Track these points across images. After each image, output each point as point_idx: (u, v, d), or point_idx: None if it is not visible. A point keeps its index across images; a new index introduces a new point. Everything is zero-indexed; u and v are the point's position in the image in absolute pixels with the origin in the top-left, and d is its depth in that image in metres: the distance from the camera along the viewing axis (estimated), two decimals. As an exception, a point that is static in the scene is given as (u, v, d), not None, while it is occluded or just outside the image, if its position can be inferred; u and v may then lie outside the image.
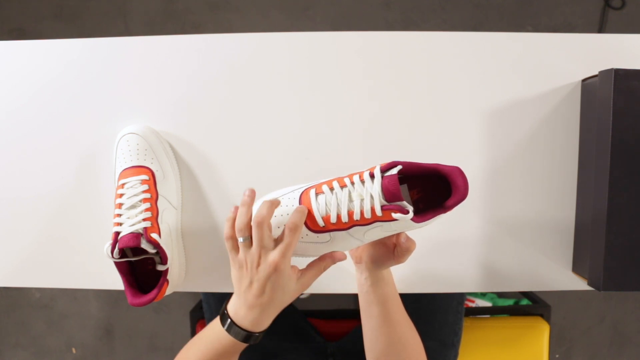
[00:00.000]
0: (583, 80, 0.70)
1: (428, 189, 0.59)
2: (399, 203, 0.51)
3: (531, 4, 1.63)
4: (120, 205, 0.64)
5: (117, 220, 0.63)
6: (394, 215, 0.51)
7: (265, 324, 0.57)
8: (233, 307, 0.57)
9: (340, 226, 0.54)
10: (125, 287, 0.66)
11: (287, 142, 0.72)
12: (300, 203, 0.56)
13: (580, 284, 0.73)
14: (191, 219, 0.74)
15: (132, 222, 0.63)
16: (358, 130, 0.72)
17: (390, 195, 0.51)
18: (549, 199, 0.72)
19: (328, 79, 0.71)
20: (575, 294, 1.67)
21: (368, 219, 0.52)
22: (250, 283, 0.55)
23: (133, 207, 0.64)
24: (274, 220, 0.56)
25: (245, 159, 0.73)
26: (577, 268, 0.71)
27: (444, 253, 0.73)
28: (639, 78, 0.61)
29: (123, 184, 0.66)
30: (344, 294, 0.74)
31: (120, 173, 0.67)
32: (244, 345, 0.58)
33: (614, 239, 0.63)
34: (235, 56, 0.71)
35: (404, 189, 0.59)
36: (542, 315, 1.09)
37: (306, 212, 0.54)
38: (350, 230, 0.54)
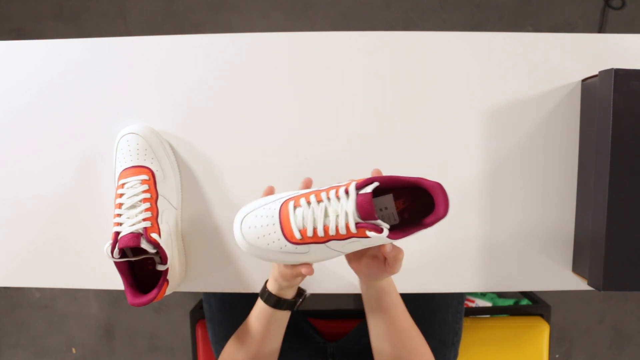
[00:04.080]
0: (583, 80, 0.70)
1: (415, 198, 0.58)
2: (373, 222, 0.50)
3: (531, 3, 1.63)
4: (120, 205, 0.64)
5: (117, 220, 0.63)
6: (368, 233, 0.50)
7: (285, 291, 0.66)
8: (268, 283, 0.69)
9: (318, 239, 0.54)
10: (125, 287, 0.65)
11: (286, 142, 0.72)
12: (280, 214, 0.55)
13: (580, 284, 0.73)
14: (191, 219, 0.74)
15: (132, 222, 0.63)
16: (358, 130, 0.72)
17: (364, 213, 0.50)
18: (549, 199, 0.72)
19: (328, 79, 0.71)
20: (575, 294, 1.67)
21: (343, 234, 0.52)
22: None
23: (133, 207, 0.64)
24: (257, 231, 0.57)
25: (245, 159, 0.73)
26: (577, 268, 0.71)
27: (444, 253, 0.73)
28: (639, 78, 0.61)
29: (123, 184, 0.66)
30: (344, 294, 0.74)
31: (120, 173, 0.67)
32: (281, 313, 0.67)
33: (614, 239, 0.63)
34: (235, 56, 0.71)
35: (389, 198, 0.58)
36: (542, 315, 1.09)
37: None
38: (328, 244, 0.54)
